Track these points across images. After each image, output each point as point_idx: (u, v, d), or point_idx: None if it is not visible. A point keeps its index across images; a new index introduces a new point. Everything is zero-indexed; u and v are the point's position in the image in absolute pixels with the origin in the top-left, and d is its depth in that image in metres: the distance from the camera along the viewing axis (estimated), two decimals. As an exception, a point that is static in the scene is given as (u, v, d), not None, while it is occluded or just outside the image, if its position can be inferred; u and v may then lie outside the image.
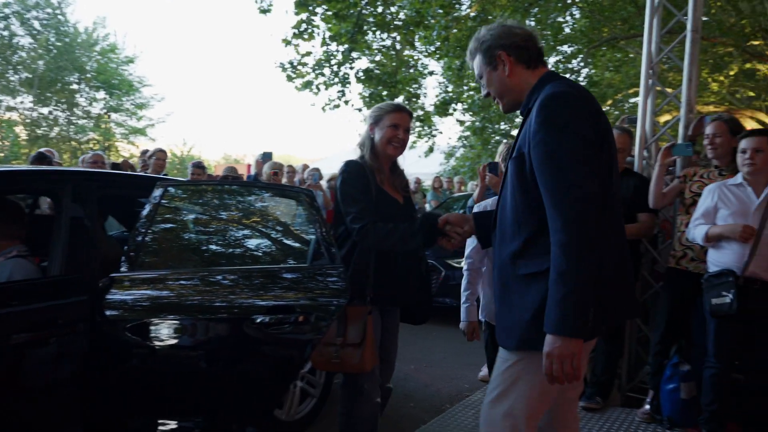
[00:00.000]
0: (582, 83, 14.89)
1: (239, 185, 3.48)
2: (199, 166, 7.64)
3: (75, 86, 21.96)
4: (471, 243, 3.33)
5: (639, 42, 13.32)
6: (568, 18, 14.14)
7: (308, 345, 2.65)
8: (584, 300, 1.59)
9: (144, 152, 8.46)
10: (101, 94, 22.49)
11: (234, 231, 2.97)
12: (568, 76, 14.93)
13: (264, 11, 11.03)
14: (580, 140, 1.66)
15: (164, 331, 2.52)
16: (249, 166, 11.20)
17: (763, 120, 13.07)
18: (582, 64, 14.99)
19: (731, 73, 16.15)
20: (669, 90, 4.48)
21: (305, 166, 9.93)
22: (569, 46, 14.36)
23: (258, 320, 2.57)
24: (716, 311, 3.16)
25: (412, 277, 2.72)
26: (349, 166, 2.61)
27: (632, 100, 17.48)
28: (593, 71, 15.52)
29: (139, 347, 2.47)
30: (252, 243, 3.00)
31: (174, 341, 2.54)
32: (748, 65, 15.40)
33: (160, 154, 7.32)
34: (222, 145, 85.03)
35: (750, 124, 11.70)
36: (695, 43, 4.13)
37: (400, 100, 13.39)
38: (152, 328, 2.48)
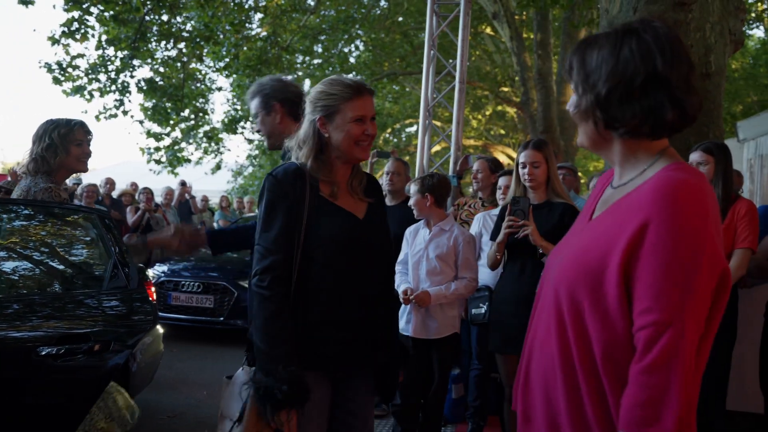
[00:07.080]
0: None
1: (22, 203, 2.77)
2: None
3: None
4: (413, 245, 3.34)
5: (414, 78, 14.76)
6: (353, 49, 15.06)
7: (106, 375, 2.47)
8: None
9: None
10: None
11: (14, 255, 2.63)
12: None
13: (24, 2, 8.95)
14: None
15: None
16: (5, 176, 9.66)
17: (511, 154, 15.41)
18: (365, 93, 16.03)
19: (487, 113, 18.91)
20: (440, 125, 5.45)
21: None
22: (354, 76, 15.27)
23: (44, 352, 2.32)
24: (474, 320, 3.64)
25: (377, 326, 1.82)
26: (280, 172, 1.77)
27: (408, 129, 19.26)
28: (375, 102, 16.71)
29: None
30: (35, 267, 2.69)
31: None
32: (500, 107, 18.10)
33: None
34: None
35: (501, 157, 13.74)
36: (462, 92, 5.47)
37: (186, 114, 12.83)
38: None
